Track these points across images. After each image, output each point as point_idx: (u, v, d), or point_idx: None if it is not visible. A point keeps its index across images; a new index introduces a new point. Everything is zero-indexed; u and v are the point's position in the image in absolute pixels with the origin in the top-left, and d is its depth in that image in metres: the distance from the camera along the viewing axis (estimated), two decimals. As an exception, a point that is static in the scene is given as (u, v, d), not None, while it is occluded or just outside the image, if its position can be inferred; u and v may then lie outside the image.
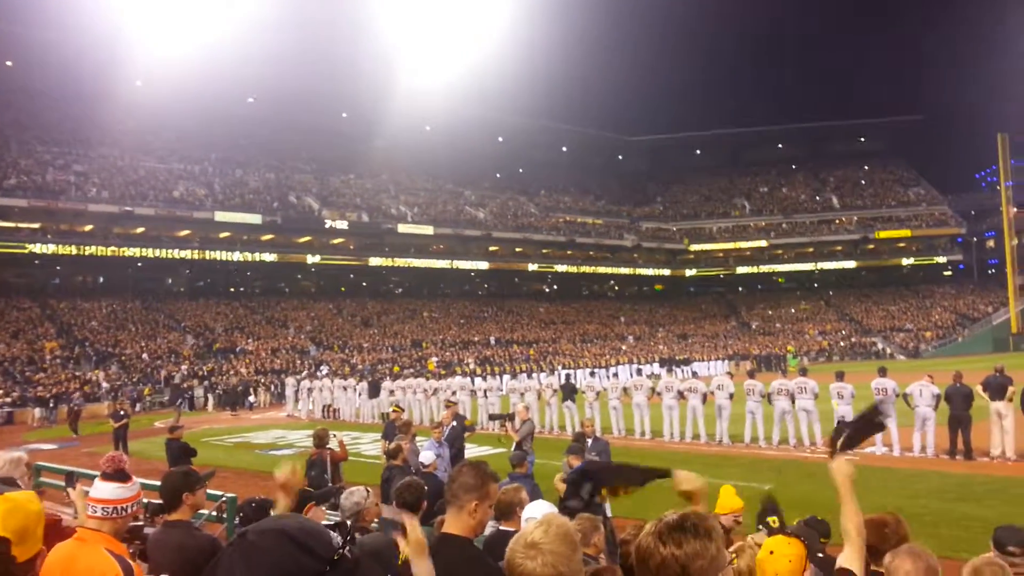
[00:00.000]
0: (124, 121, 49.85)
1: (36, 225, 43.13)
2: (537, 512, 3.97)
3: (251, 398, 35.29)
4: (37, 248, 42.66)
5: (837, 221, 74.80)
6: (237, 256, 49.83)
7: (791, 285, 75.30)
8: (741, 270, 74.46)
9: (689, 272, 74.72)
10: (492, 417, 16.57)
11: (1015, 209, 64.76)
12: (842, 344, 59.33)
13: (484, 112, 67.82)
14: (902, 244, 72.89)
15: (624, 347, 55.60)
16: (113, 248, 44.93)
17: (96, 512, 3.52)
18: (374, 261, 56.55)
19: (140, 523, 4.58)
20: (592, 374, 40.24)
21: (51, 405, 31.33)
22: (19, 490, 4.44)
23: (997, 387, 13.99)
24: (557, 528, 2.14)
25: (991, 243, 75.21)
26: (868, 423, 3.22)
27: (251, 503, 4.89)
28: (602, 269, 70.85)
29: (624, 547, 3.74)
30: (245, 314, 49.88)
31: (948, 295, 69.68)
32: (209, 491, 5.62)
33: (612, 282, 74.95)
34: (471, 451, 14.49)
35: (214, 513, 7.11)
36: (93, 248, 44.29)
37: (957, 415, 14.04)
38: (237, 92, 55.69)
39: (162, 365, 38.88)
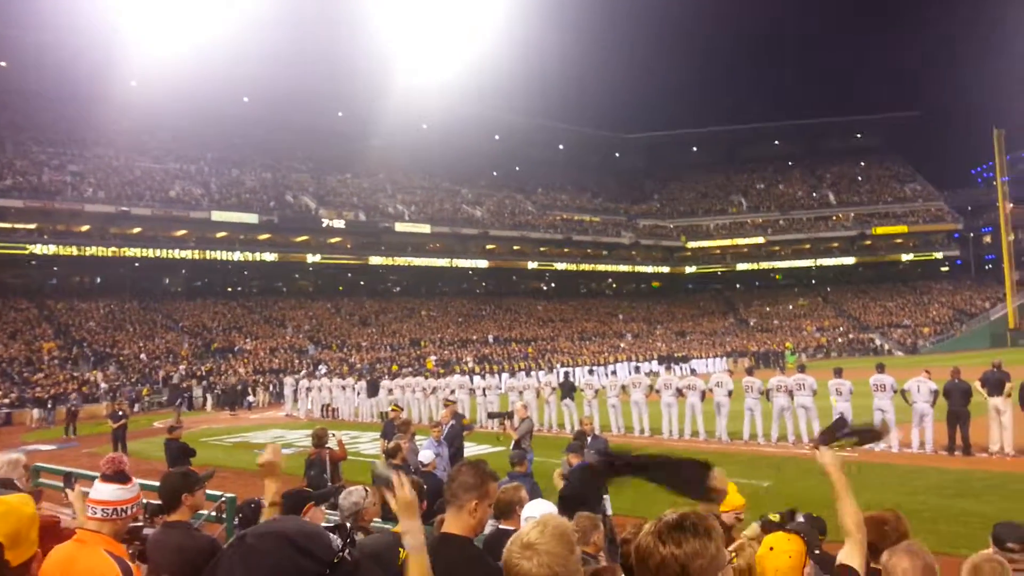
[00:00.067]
0: (119, 121, 49.78)
1: (32, 226, 43.08)
2: (537, 511, 3.97)
3: (250, 398, 35.27)
4: (38, 249, 42.63)
5: (834, 217, 74.89)
6: (237, 256, 49.85)
7: (789, 282, 75.35)
8: (739, 267, 74.51)
9: (689, 269, 74.70)
10: (491, 415, 16.58)
11: (1011, 205, 64.86)
12: (840, 340, 59.39)
13: (481, 110, 67.84)
14: (899, 240, 72.99)
15: (622, 345, 55.63)
16: (114, 249, 44.91)
17: (96, 513, 3.51)
18: (374, 260, 56.54)
19: (139, 524, 4.58)
20: (591, 372, 40.27)
21: (49, 406, 31.28)
22: (16, 492, 4.43)
23: (995, 383, 14.00)
24: (553, 528, 2.13)
25: (988, 239, 75.41)
26: (872, 433, 3.20)
27: (250, 504, 4.89)
28: (600, 267, 70.87)
29: (625, 546, 3.74)
30: (243, 314, 49.85)
31: (945, 291, 69.77)
32: (208, 491, 5.61)
33: (610, 280, 74.96)
34: (470, 450, 14.49)
35: (213, 513, 7.09)
36: (93, 249, 44.24)
37: (955, 411, 14.05)
38: (232, 92, 55.64)
39: (160, 365, 38.84)
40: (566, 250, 67.74)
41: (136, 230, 46.53)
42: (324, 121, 62.57)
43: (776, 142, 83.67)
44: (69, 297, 45.48)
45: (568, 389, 21.61)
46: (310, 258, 53.46)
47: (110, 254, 44.95)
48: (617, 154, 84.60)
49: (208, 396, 35.92)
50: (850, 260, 72.71)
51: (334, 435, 10.72)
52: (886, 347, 57.89)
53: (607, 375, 37.43)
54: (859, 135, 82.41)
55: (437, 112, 62.91)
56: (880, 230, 72.21)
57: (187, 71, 48.85)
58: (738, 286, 76.38)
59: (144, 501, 4.18)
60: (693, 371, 40.58)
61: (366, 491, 5.22)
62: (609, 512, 8.20)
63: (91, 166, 48.47)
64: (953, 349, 52.69)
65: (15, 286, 44.55)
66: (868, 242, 72.97)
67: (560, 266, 67.09)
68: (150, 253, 46.16)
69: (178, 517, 3.88)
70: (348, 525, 3.97)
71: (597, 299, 71.56)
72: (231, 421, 28.83)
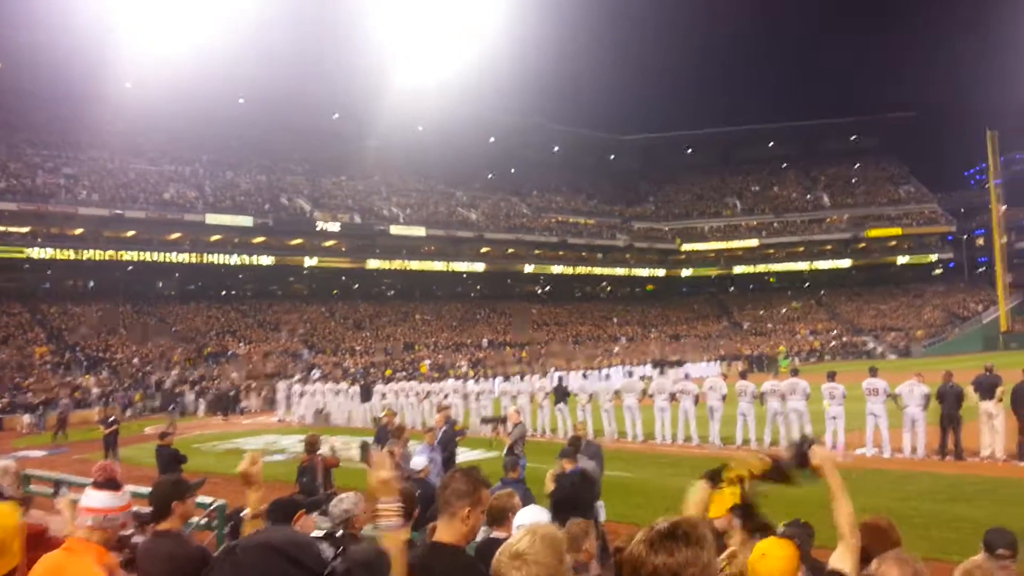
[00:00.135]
0: (114, 123, 49.66)
1: (26, 229, 42.92)
2: (529, 518, 3.97)
3: (242, 403, 35.14)
4: (34, 252, 42.52)
5: (828, 220, 75.09)
6: (234, 260, 49.75)
7: (782, 285, 75.49)
8: (735, 269, 74.58)
9: (686, 272, 74.72)
10: (484, 420, 16.57)
11: (1004, 207, 65.13)
12: (833, 344, 59.50)
13: (476, 112, 67.84)
14: (893, 242, 73.21)
15: (616, 348, 55.63)
16: (111, 252, 44.83)
17: (86, 522, 3.50)
18: (372, 264, 56.50)
19: (129, 532, 4.55)
20: (584, 376, 40.25)
21: (40, 411, 31.12)
22: (4, 499, 4.41)
23: (987, 387, 14.03)
24: (543, 537, 2.12)
25: (981, 241, 75.64)
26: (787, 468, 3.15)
27: (241, 512, 4.86)
28: (597, 270, 70.78)
29: (618, 554, 3.74)
30: (236, 317, 49.73)
31: (938, 293, 69.98)
32: (199, 499, 5.59)
33: (604, 283, 74.99)
34: (463, 455, 14.47)
35: (204, 521, 7.06)
36: (91, 252, 44.15)
37: (948, 414, 14.07)
38: (228, 93, 55.55)
39: (152, 370, 38.69)
40: (561, 253, 67.77)
41: (130, 233, 46.37)
42: (319, 123, 62.52)
43: (771, 144, 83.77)
44: (62, 301, 45.30)
45: (562, 394, 21.59)
46: (307, 261, 53.37)
47: (107, 257, 44.86)
48: (612, 156, 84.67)
49: (200, 401, 35.77)
50: (844, 263, 72.90)
51: (327, 441, 10.69)
52: (879, 350, 58.04)
53: (601, 379, 37.38)
54: (853, 137, 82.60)
55: (432, 114, 62.91)
56: (874, 232, 72.41)
57: (182, 72, 48.78)
58: (732, 289, 76.47)
59: (134, 509, 4.17)
60: (687, 375, 40.57)
61: (357, 498, 5.21)
62: (603, 518, 8.19)
63: (85, 168, 48.32)
64: (946, 352, 52.80)
65: (8, 290, 44.32)
66: (862, 244, 73.17)
67: (555, 269, 67.09)
68: (145, 257, 46.04)
69: (168, 525, 3.86)
70: (339, 534, 3.97)
71: (591, 302, 71.57)
72: (223, 427, 28.73)
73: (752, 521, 4.38)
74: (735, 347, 57.32)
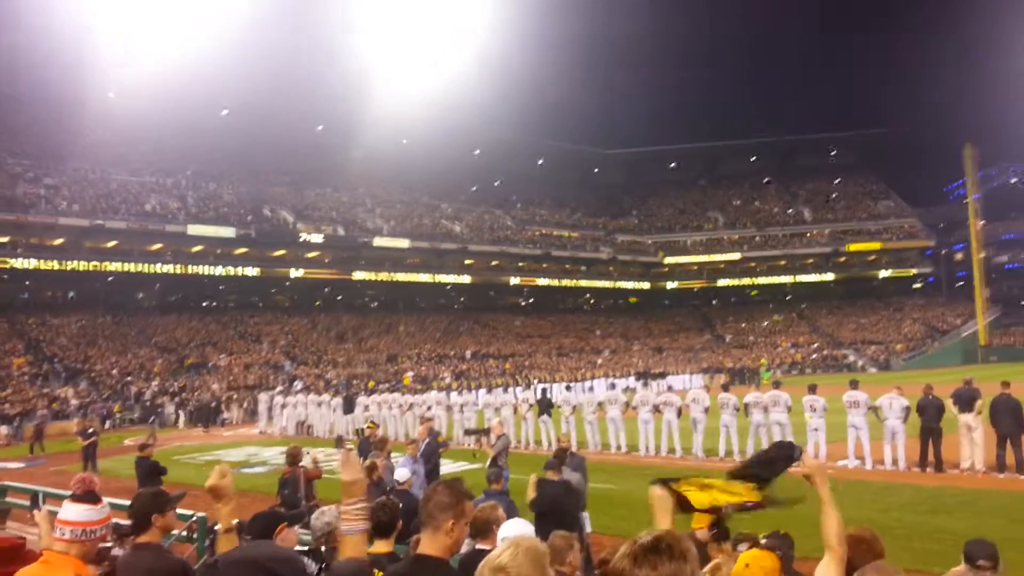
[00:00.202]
0: (96, 133, 49.32)
1: (5, 239, 42.47)
2: (514, 530, 3.95)
3: (223, 415, 34.85)
4: (13, 263, 42.06)
5: (809, 234, 75.71)
6: (219, 271, 49.43)
7: (764, 298, 75.95)
8: (719, 283, 74.96)
9: (671, 285, 74.99)
10: (467, 432, 16.51)
11: (982, 222, 65.95)
12: (814, 357, 59.86)
13: (461, 125, 67.93)
14: (872, 257, 73.88)
15: (600, 360, 55.69)
16: (95, 263, 44.49)
17: (64, 535, 3.46)
18: (358, 275, 56.32)
19: (108, 545, 4.49)
20: (568, 388, 40.21)
21: (16, 423, 30.72)
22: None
23: (966, 399, 14.15)
24: (526, 550, 2.11)
25: (959, 256, 76.45)
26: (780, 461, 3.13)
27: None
28: (583, 283, 70.88)
29: (602, 567, 3.73)
30: (218, 329, 49.36)
31: (918, 307, 70.65)
32: (179, 511, 5.53)
33: (588, 295, 75.14)
34: (447, 467, 14.41)
35: (184, 533, 6.99)
36: (71, 263, 43.71)
37: (929, 427, 14.18)
38: (211, 104, 55.35)
39: (132, 381, 38.30)
40: (545, 265, 67.87)
41: (111, 244, 46.02)
42: (303, 135, 62.36)
43: (752, 159, 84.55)
44: (41, 312, 44.81)
45: (545, 406, 21.57)
46: (293, 273, 53.08)
47: (91, 268, 44.47)
48: (596, 169, 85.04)
49: (181, 413, 35.43)
50: (825, 277, 73.47)
51: (309, 453, 10.62)
52: (860, 363, 58.45)
53: (584, 391, 37.38)
54: (833, 152, 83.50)
55: (417, 126, 62.90)
56: (854, 247, 73.09)
57: (165, 83, 48.51)
58: (714, 302, 76.87)
59: (114, 521, 4.12)
60: (670, 387, 40.68)
61: (339, 511, 5.16)
62: (588, 530, 8.18)
63: (66, 178, 47.92)
64: (925, 366, 53.28)
65: (-14, 300, 43.86)
66: (842, 259, 73.80)
67: (541, 282, 67.17)
68: (128, 267, 45.66)
69: (148, 538, 3.81)
70: (323, 548, 3.93)
71: (575, 315, 71.66)
72: (204, 438, 28.48)
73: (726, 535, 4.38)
74: (717, 360, 57.58)
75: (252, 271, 51.11)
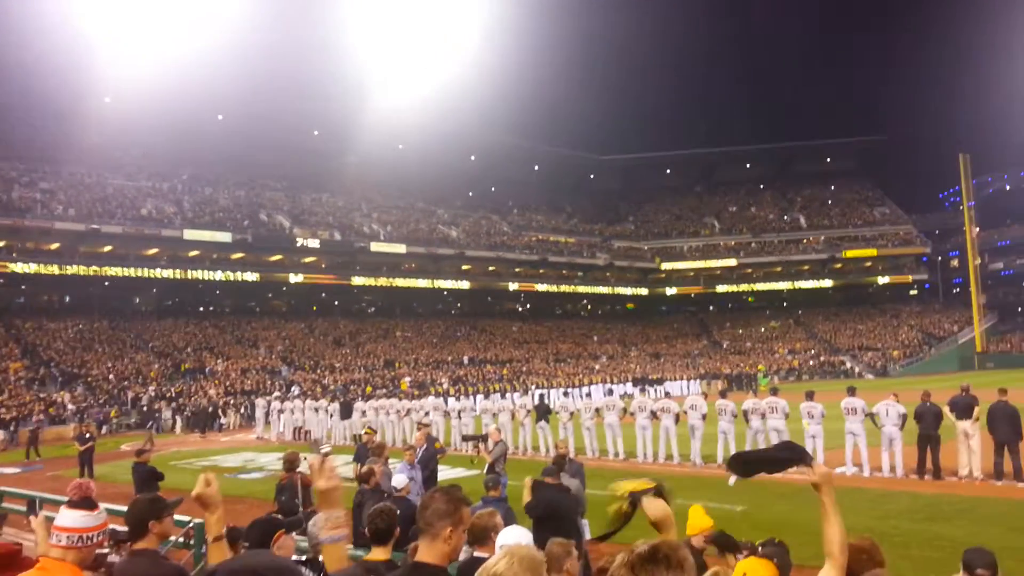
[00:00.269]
0: (92, 138, 49.24)
1: (1, 243, 42.46)
2: (512, 538, 3.94)
3: (221, 420, 34.77)
4: (9, 267, 41.97)
5: (805, 240, 75.84)
6: (216, 275, 49.33)
7: (761, 304, 76.02)
8: (719, 288, 74.97)
9: (670, 291, 75.01)
10: (465, 438, 16.50)
11: (977, 229, 66.16)
12: (811, 363, 59.92)
13: (457, 131, 67.96)
14: (868, 263, 74.03)
15: (597, 366, 55.70)
16: (95, 268, 44.40)
17: (61, 541, 3.44)
18: (356, 280, 56.27)
19: (105, 551, 4.47)
20: (566, 394, 40.23)
21: (12, 428, 30.63)
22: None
23: (964, 407, 14.15)
24: (522, 559, 2.11)
25: (955, 262, 76.73)
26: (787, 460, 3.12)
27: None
28: (580, 288, 70.84)
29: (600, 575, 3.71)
30: (215, 334, 49.28)
31: (914, 314, 70.80)
32: (176, 517, 5.51)
33: (585, 301, 75.18)
34: (444, 473, 14.39)
35: (181, 540, 6.97)
36: (67, 268, 43.61)
37: (927, 434, 14.18)
38: (207, 109, 55.30)
39: (129, 386, 38.22)
40: (541, 271, 67.87)
41: (107, 248, 45.95)
42: (300, 140, 62.35)
43: (748, 165, 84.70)
44: (37, 316, 44.72)
45: (543, 411, 21.55)
46: (292, 278, 52.99)
47: (84, 272, 44.35)
48: (592, 175, 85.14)
49: (178, 418, 35.36)
50: (821, 283, 73.57)
51: (306, 458, 10.58)
52: (856, 370, 58.52)
53: (582, 397, 37.39)
54: (829, 159, 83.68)
55: (413, 132, 62.92)
56: (850, 253, 73.24)
57: (161, 88, 48.45)
58: (711, 308, 76.95)
59: (111, 527, 4.09)
60: (667, 393, 40.69)
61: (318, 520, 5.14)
62: (588, 537, 8.15)
63: (62, 183, 47.89)
64: (922, 372, 53.40)
65: (-19, 305, 43.78)
66: (838, 265, 73.94)
67: (539, 287, 67.11)
68: (126, 272, 45.55)
69: (145, 544, 3.79)
70: (320, 558, 3.91)
71: (572, 320, 71.71)
72: (201, 444, 28.41)
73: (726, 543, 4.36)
74: (715, 366, 57.60)
75: (252, 276, 50.97)
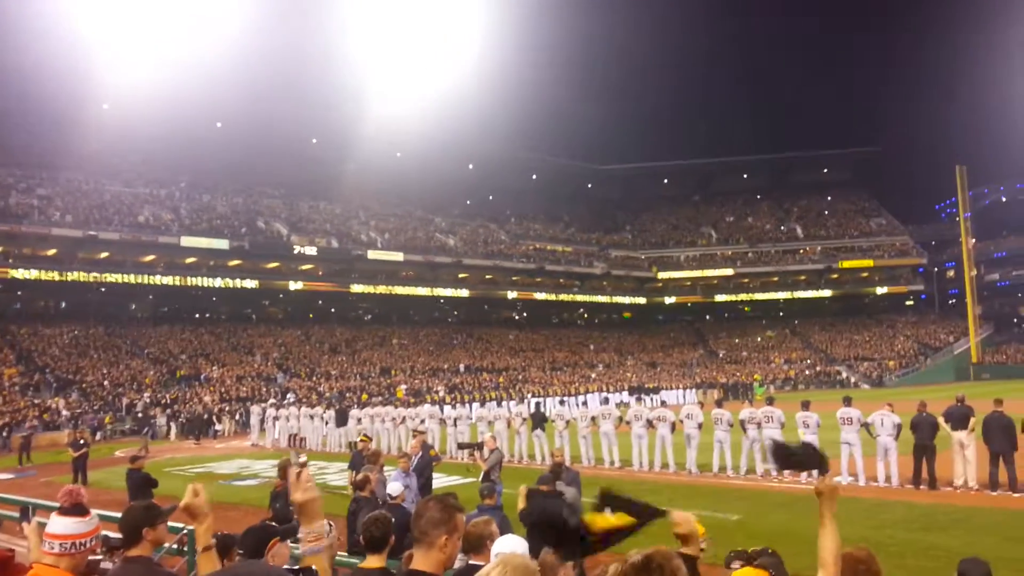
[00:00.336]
0: (90, 144, 49.17)
1: (-2, 249, 42.40)
2: (507, 546, 3.92)
3: (216, 427, 34.66)
4: (6, 273, 41.87)
5: (801, 251, 75.98)
6: (214, 282, 49.24)
7: (757, 313, 76.08)
8: (717, 298, 75.01)
9: (669, 300, 75.03)
10: (461, 446, 16.46)
11: (973, 240, 66.34)
12: (807, 373, 59.95)
13: (455, 139, 68.07)
14: (865, 274, 74.14)
15: (593, 375, 55.66)
16: (94, 275, 44.36)
17: (53, 548, 3.42)
18: (356, 288, 56.22)
19: (98, 558, 4.45)
20: (562, 402, 40.15)
21: (5, 434, 30.51)
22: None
23: (959, 417, 14.15)
24: (515, 568, 2.10)
25: (951, 273, 76.92)
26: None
27: (212, 539, 4.77)
28: (579, 297, 70.82)
29: (595, 585, 3.69)
30: (210, 340, 49.19)
31: (910, 324, 70.90)
32: (170, 523, 5.49)
33: (581, 309, 75.18)
34: (440, 481, 14.38)
35: (175, 546, 6.94)
36: (67, 274, 43.54)
37: (922, 444, 14.17)
38: (205, 117, 55.26)
39: (124, 393, 38.10)
40: (539, 280, 67.88)
41: (104, 255, 45.89)
42: (297, 147, 62.34)
43: (745, 176, 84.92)
44: (32, 322, 44.60)
45: (539, 420, 21.52)
46: (292, 285, 52.92)
47: (83, 279, 44.28)
48: (590, 185, 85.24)
49: (172, 425, 35.25)
50: (817, 293, 73.67)
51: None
52: (852, 380, 58.57)
53: (578, 406, 37.32)
54: (825, 170, 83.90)
55: (412, 140, 63.00)
56: (846, 264, 73.37)
57: (160, 95, 48.49)
58: (708, 317, 77.00)
59: (104, 534, 4.08)
60: (663, 402, 40.59)
61: (329, 525, 5.13)
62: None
63: (60, 189, 47.85)
64: (918, 382, 53.46)
65: (-23, 310, 43.66)
66: (835, 275, 74.05)
67: (538, 296, 67.08)
68: (123, 279, 45.45)
69: (139, 552, 3.77)
70: (314, 567, 3.89)
71: (569, 329, 71.69)
72: (195, 451, 28.32)
73: None
74: (711, 375, 57.61)
75: (250, 283, 50.88)
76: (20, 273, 42.40)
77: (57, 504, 3.91)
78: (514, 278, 66.17)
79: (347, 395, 41.69)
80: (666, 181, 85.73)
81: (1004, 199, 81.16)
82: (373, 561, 3.84)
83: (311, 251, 54.41)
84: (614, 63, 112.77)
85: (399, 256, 58.73)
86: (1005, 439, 13.52)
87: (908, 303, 75.52)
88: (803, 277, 74.56)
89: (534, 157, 77.42)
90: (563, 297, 69.50)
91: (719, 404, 18.44)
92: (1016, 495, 13.19)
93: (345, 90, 59.30)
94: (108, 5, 44.97)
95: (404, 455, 11.08)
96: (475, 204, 74.67)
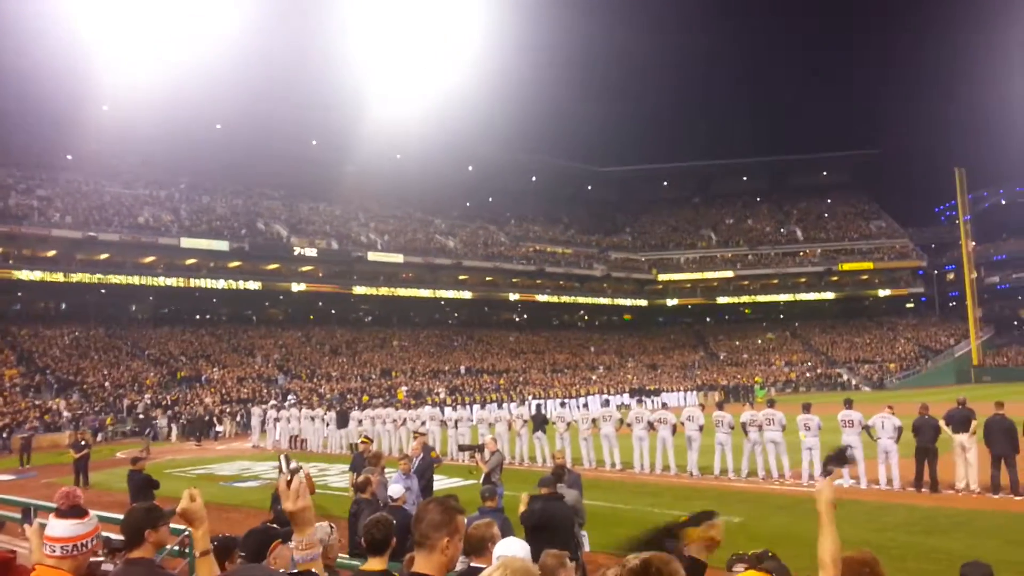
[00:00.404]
0: (90, 145, 49.24)
1: (-2, 250, 42.42)
2: (509, 549, 3.92)
3: (216, 428, 34.66)
4: (13, 275, 41.88)
5: (801, 253, 75.99)
6: (221, 284, 49.32)
7: (757, 316, 76.08)
8: (718, 300, 74.98)
9: (671, 302, 75.01)
10: (462, 448, 16.44)
11: (973, 243, 66.32)
12: (808, 375, 59.93)
13: (455, 141, 68.11)
14: (865, 276, 74.15)
15: (594, 377, 55.65)
16: (94, 277, 44.27)
17: (55, 551, 3.42)
18: (358, 290, 56.20)
19: (99, 559, 4.44)
20: (562, 404, 40.14)
21: (6, 435, 30.51)
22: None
23: (960, 420, 14.14)
24: (515, 571, 2.10)
25: (951, 276, 76.92)
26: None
27: (212, 542, 4.76)
28: (580, 299, 70.79)
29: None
30: (211, 342, 49.18)
31: (911, 327, 70.89)
32: (172, 525, 5.49)
33: (582, 311, 75.18)
34: (441, 483, 14.37)
35: (176, 548, 6.93)
36: (67, 275, 43.51)
37: (924, 447, 14.16)
38: (205, 118, 55.30)
39: (125, 394, 38.10)
40: (539, 281, 67.88)
41: (104, 256, 45.89)
42: (297, 149, 62.36)
43: (744, 178, 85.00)
44: (33, 323, 44.60)
45: (540, 422, 21.51)
46: (295, 287, 52.89)
47: (84, 280, 44.26)
48: (590, 187, 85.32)
49: (173, 426, 35.25)
50: (817, 295, 73.65)
51: (302, 467, 10.52)
52: (853, 382, 58.55)
53: (579, 408, 37.32)
54: (825, 172, 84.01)
55: (412, 142, 63.01)
56: (846, 266, 73.39)
57: (160, 96, 48.52)
58: (708, 320, 76.99)
59: (105, 535, 4.07)
60: (664, 404, 40.62)
61: (330, 527, 5.13)
62: (587, 548, 8.12)
63: (59, 190, 47.88)
64: (919, 385, 53.44)
65: (-23, 311, 43.65)
66: (835, 278, 74.05)
67: (540, 297, 67.02)
68: (122, 280, 45.46)
69: (141, 554, 3.77)
70: (313, 570, 3.89)
71: (569, 331, 71.69)
72: (196, 452, 28.31)
73: None
74: (712, 377, 57.60)
75: (253, 285, 50.89)
76: (20, 274, 42.41)
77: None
78: (514, 280, 66.18)
79: (348, 397, 41.68)
80: (666, 183, 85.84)
81: (1004, 202, 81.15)
82: (374, 563, 3.83)
83: (311, 252, 54.43)
84: (613, 65, 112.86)
85: (399, 258, 58.75)
86: (1007, 442, 13.50)
87: (908, 305, 75.51)
88: (803, 279, 74.57)
89: (534, 159, 77.49)
90: (564, 299, 69.49)
91: (720, 406, 18.43)
92: (1018, 498, 13.17)
93: (345, 91, 59.33)
94: (108, 6, 44.98)
95: (405, 457, 11.07)
96: (475, 206, 74.70)
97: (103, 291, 46.57)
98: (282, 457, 3.12)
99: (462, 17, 56.01)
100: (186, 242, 48.34)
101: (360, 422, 25.80)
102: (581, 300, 71.22)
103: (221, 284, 49.61)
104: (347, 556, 6.66)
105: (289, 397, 39.41)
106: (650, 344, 70.86)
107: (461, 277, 62.82)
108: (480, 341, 62.23)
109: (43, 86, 47.50)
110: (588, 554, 8.14)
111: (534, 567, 2.23)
